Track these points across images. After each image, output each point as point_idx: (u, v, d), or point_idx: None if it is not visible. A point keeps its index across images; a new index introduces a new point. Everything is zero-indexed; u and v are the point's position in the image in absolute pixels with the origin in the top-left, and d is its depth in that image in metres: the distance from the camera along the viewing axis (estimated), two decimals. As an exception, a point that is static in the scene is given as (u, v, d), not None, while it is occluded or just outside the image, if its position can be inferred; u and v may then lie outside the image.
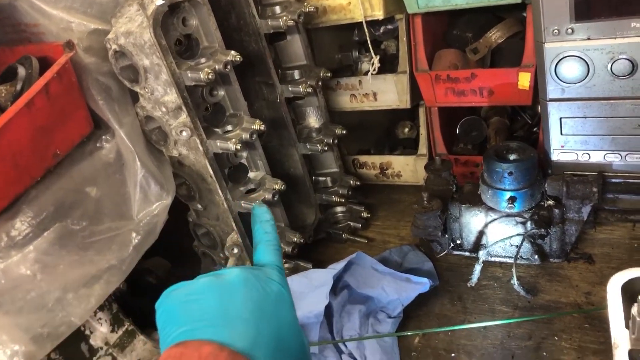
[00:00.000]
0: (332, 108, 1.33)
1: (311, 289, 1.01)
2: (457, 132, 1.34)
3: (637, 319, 0.63)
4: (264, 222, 0.60)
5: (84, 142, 1.08)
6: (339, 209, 1.36)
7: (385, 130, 1.56)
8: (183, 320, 0.48)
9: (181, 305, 0.49)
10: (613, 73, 0.95)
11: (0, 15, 1.13)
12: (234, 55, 0.98)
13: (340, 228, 1.32)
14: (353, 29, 1.40)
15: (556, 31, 0.96)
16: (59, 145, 1.01)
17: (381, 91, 1.28)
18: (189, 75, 0.96)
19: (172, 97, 0.99)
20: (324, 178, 1.32)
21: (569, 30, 0.95)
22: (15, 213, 0.96)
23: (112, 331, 1.01)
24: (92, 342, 0.99)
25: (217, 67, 0.96)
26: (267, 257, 0.57)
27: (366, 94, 1.30)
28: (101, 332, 1.00)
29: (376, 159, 1.41)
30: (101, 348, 0.99)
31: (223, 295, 0.50)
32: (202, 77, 0.95)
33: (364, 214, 1.34)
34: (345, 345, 1.00)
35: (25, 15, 1.11)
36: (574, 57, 0.97)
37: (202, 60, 1.00)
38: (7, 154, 0.91)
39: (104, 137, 1.10)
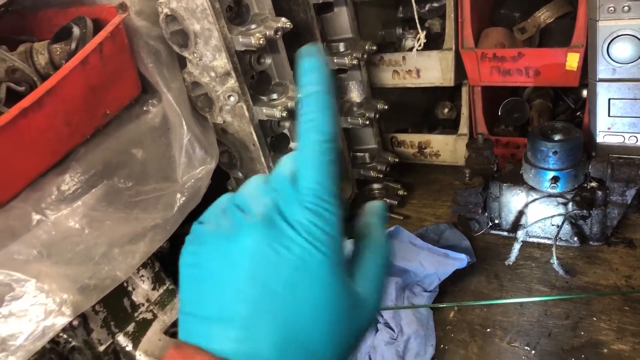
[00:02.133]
0: (373, 84, 1.33)
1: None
2: (500, 113, 1.33)
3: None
4: (311, 69, 0.37)
5: (132, 105, 1.10)
6: (375, 185, 1.37)
7: (424, 110, 1.55)
8: (184, 296, 0.38)
9: (186, 270, 0.38)
10: (668, 53, 0.94)
11: (55, -23, 1.15)
12: (284, 22, 0.99)
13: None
14: (397, 6, 1.40)
15: (612, 9, 0.94)
16: (108, 105, 1.03)
17: (425, 68, 1.27)
18: (240, 40, 0.97)
19: (221, 62, 1.01)
20: (362, 154, 1.33)
21: (626, 8, 0.93)
22: (65, 169, 0.98)
23: (154, 289, 1.04)
24: (134, 298, 1.01)
25: (267, 32, 0.97)
26: (305, 166, 0.36)
27: (409, 70, 1.29)
28: (143, 289, 1.03)
29: (415, 138, 1.41)
30: (142, 304, 1.02)
31: (224, 273, 0.36)
32: (253, 42, 0.95)
33: (401, 192, 1.34)
34: (382, 315, 1.01)
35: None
36: (629, 36, 0.95)
37: (253, 26, 1.01)
38: (61, 110, 0.93)
39: (150, 101, 1.12)
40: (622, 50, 0.97)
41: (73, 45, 1.01)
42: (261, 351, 0.34)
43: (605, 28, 0.96)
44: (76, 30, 1.03)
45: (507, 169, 1.14)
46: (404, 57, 1.29)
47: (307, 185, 0.35)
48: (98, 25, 1.05)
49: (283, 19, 0.99)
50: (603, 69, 1.01)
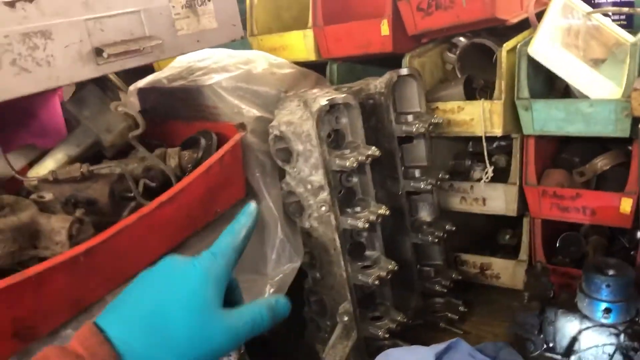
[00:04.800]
0: (442, 207, 1.49)
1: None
2: (557, 244, 1.45)
3: None
4: (241, 216, 0.61)
5: (236, 206, 1.30)
6: (438, 299, 1.48)
7: (487, 234, 1.68)
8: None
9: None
10: None
11: (188, 96, 1.42)
12: (374, 151, 1.18)
13: (438, 317, 1.44)
14: (469, 140, 1.58)
15: (660, 164, 1.09)
16: (219, 204, 1.23)
17: (490, 198, 1.43)
18: (337, 162, 1.17)
19: (318, 177, 1.20)
20: (428, 268, 1.46)
21: (672, 165, 1.08)
22: (177, 252, 1.16)
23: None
24: None
25: (360, 158, 1.16)
26: (219, 239, 0.59)
27: (476, 198, 1.45)
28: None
29: (477, 259, 1.54)
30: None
31: (136, 281, 0.55)
32: (347, 164, 1.15)
33: (462, 308, 1.45)
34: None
35: (208, 99, 1.39)
36: (676, 189, 1.09)
37: (347, 151, 1.21)
38: (185, 205, 1.14)
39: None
40: (671, 200, 1.10)
41: (200, 154, 1.24)
42: (133, 323, 0.51)
43: (655, 180, 1.10)
44: (202, 141, 1.27)
45: (562, 297, 1.25)
46: (472, 186, 1.45)
47: (217, 244, 0.58)
48: (219, 138, 1.28)
49: (373, 147, 1.19)
50: (653, 216, 1.13)
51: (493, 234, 1.66)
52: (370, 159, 1.19)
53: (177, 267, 0.56)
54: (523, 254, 1.46)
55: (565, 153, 1.42)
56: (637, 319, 1.14)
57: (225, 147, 1.21)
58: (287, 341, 1.44)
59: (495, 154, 1.55)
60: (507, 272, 1.49)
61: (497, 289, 1.53)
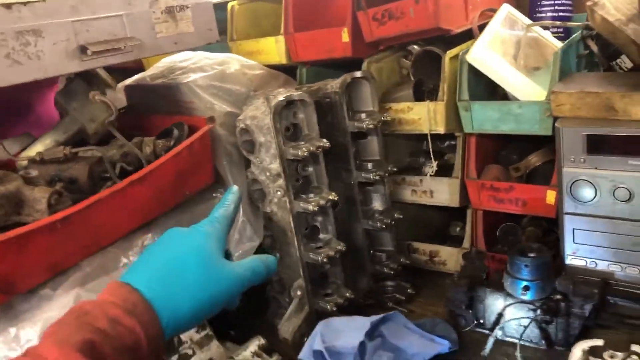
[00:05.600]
0: (395, 198, 1.64)
1: (351, 328, 1.28)
2: (497, 234, 1.60)
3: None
4: (228, 194, 0.78)
5: (205, 191, 1.46)
6: (389, 282, 1.63)
7: (440, 227, 1.83)
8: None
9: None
10: (615, 198, 1.21)
11: (168, 93, 1.58)
12: (324, 142, 1.34)
13: (387, 297, 1.58)
14: (424, 140, 1.74)
15: (572, 159, 1.24)
16: (189, 187, 1.39)
17: (437, 190, 1.58)
18: (291, 151, 1.32)
19: (276, 165, 1.35)
20: (380, 253, 1.61)
21: (582, 160, 1.23)
22: (149, 229, 1.32)
23: (197, 332, 1.32)
24: (181, 335, 1.30)
25: (311, 148, 1.32)
26: (212, 211, 0.74)
27: (425, 191, 1.61)
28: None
29: (427, 247, 1.68)
30: (186, 342, 1.29)
31: (150, 245, 0.70)
32: (299, 153, 1.30)
33: (410, 290, 1.60)
34: (371, 379, 1.24)
35: (185, 95, 1.54)
36: (585, 181, 1.24)
37: (301, 142, 1.37)
38: (155, 186, 1.29)
39: (220, 189, 1.48)
40: (581, 191, 1.24)
41: (172, 143, 1.39)
42: (151, 274, 0.64)
43: (568, 173, 1.25)
44: (175, 132, 1.42)
45: (493, 278, 1.39)
46: (421, 180, 1.61)
47: (212, 214, 0.74)
48: (192, 130, 1.44)
49: (324, 140, 1.35)
50: (567, 205, 1.28)
51: (445, 226, 1.81)
52: (321, 149, 1.34)
53: (183, 231, 0.69)
54: (466, 242, 1.60)
55: (504, 151, 1.58)
56: (552, 297, 1.29)
57: (195, 136, 1.36)
58: (251, 319, 1.58)
59: (447, 152, 1.70)
60: (452, 258, 1.63)
61: (444, 274, 1.67)
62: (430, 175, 1.56)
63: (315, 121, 1.38)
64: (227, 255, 0.74)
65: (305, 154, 1.30)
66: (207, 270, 0.64)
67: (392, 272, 1.57)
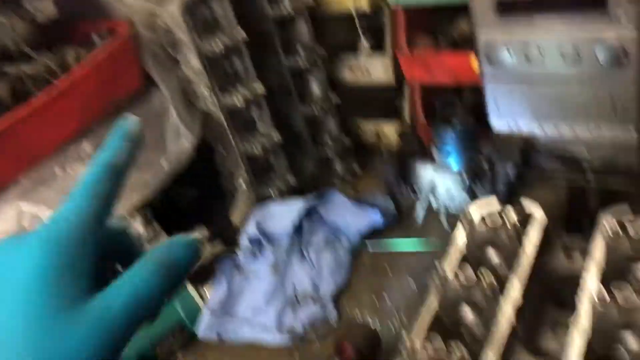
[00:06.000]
0: (337, 80, 1.65)
1: (286, 211, 1.35)
2: (436, 107, 1.61)
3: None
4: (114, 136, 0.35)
5: (137, 95, 1.47)
6: (337, 165, 1.68)
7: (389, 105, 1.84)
8: None
9: None
10: (528, 58, 1.21)
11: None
12: (241, 34, 1.33)
13: (335, 179, 1.64)
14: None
15: (485, 24, 1.22)
16: (117, 93, 1.41)
17: (372, 68, 1.58)
18: (207, 47, 1.32)
19: (196, 62, 1.36)
20: (325, 136, 1.64)
21: (493, 24, 1.21)
22: (83, 139, 1.36)
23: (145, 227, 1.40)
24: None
25: (227, 42, 1.32)
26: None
27: (361, 70, 1.60)
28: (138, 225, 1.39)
29: (372, 126, 1.71)
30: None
31: None
32: (215, 49, 1.30)
33: (357, 170, 1.65)
34: (309, 254, 1.33)
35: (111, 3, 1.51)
36: (499, 45, 1.23)
37: (220, 34, 1.36)
38: (79, 96, 1.31)
39: (153, 92, 1.49)
40: (496, 55, 1.24)
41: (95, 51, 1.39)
42: None
43: (482, 38, 1.24)
44: (97, 40, 1.42)
45: (425, 150, 1.43)
46: (356, 58, 1.60)
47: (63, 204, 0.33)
48: (116, 34, 1.42)
49: (241, 31, 1.34)
50: (486, 69, 1.28)
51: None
52: (242, 41, 1.34)
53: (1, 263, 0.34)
54: (406, 118, 1.62)
55: (437, 23, 1.55)
56: (478, 160, 1.33)
57: (114, 43, 1.36)
58: (207, 212, 1.66)
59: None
60: (395, 136, 1.66)
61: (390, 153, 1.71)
62: (364, 54, 1.55)
63: (232, 14, 1.36)
64: (120, 243, 0.37)
65: (220, 49, 1.30)
66: (37, 339, 0.30)
67: (337, 155, 1.61)
